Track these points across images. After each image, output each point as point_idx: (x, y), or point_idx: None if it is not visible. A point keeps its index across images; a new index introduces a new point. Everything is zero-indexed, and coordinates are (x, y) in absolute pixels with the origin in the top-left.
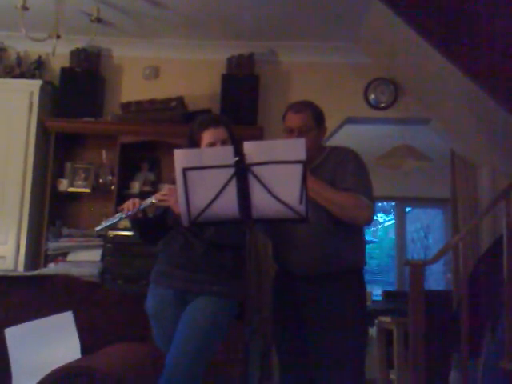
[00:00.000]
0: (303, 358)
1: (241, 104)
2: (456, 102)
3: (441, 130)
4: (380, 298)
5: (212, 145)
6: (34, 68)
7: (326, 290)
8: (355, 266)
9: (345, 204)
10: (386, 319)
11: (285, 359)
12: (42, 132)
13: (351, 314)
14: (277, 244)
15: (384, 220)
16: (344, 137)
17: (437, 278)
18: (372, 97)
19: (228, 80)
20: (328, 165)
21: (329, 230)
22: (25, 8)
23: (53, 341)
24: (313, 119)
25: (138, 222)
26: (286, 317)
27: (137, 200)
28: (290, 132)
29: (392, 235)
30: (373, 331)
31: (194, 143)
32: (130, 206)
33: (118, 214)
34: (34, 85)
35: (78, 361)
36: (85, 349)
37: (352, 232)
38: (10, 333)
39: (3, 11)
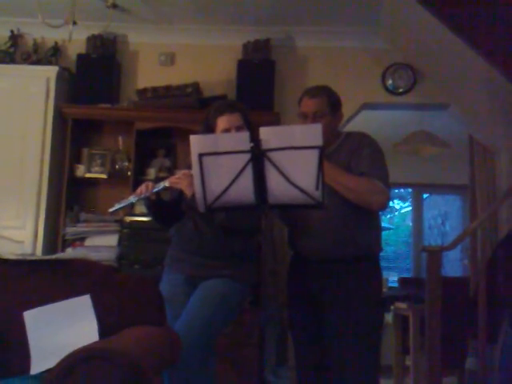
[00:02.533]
0: (318, 343)
1: (257, 89)
2: (475, 88)
3: (459, 115)
4: (396, 285)
5: (227, 131)
6: (50, 54)
7: (342, 276)
8: (371, 251)
9: (359, 189)
10: (402, 305)
11: (300, 344)
12: (59, 118)
13: (367, 300)
14: (292, 229)
15: (401, 207)
16: (361, 123)
17: (454, 265)
18: (390, 82)
19: (244, 65)
20: (343, 150)
21: (344, 215)
22: None
23: (71, 324)
24: (328, 105)
25: (153, 205)
26: (302, 302)
27: (150, 183)
28: (304, 117)
29: (409, 222)
30: (389, 317)
31: (210, 129)
32: (143, 189)
33: (131, 197)
34: (51, 71)
35: (95, 343)
36: (103, 331)
37: (367, 217)
38: (29, 316)
39: None
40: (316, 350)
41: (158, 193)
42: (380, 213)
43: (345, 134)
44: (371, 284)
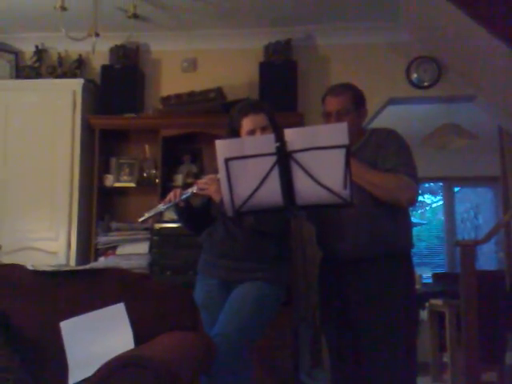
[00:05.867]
0: (352, 342)
1: (280, 91)
2: (502, 76)
3: (487, 106)
4: (430, 281)
5: (252, 132)
6: (75, 67)
7: (373, 274)
8: (402, 248)
9: (387, 185)
10: (438, 302)
11: (334, 344)
12: (87, 129)
13: (400, 298)
14: (321, 230)
15: (432, 201)
16: (387, 118)
17: (488, 258)
18: (414, 76)
19: (266, 68)
20: (369, 147)
21: (373, 213)
22: (63, 8)
23: (106, 332)
24: (351, 102)
25: (183, 211)
26: (334, 303)
27: (178, 190)
28: (328, 115)
29: (441, 216)
30: (424, 314)
31: (234, 131)
32: (172, 196)
33: (160, 205)
34: (76, 84)
35: (131, 351)
36: (137, 339)
37: (397, 214)
38: (66, 326)
39: (43, 13)
40: (350, 349)
41: (186, 199)
42: (410, 208)
43: (370, 131)
44: (404, 281)
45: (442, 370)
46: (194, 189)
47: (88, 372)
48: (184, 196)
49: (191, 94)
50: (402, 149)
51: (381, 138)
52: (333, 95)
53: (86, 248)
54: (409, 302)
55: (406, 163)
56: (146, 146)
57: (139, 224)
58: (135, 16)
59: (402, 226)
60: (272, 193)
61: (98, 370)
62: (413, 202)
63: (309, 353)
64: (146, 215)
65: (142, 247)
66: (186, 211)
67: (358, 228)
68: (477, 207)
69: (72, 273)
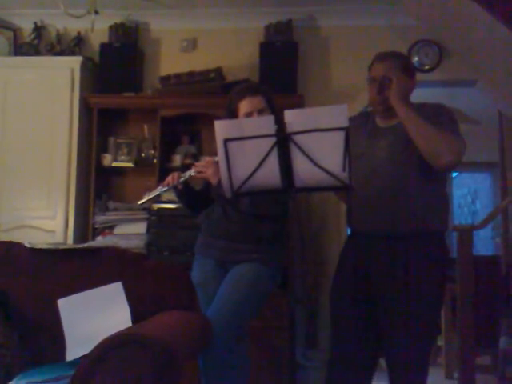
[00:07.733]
0: (372, 323)
1: (280, 72)
2: (504, 61)
3: (488, 91)
4: None
5: (249, 114)
6: (73, 45)
7: (399, 253)
8: (432, 228)
9: (435, 136)
10: None
11: (343, 318)
12: (85, 108)
13: (424, 282)
14: (355, 204)
15: None
16: None
17: (485, 244)
18: (415, 59)
19: (266, 48)
20: None
21: (402, 188)
22: None
23: (104, 310)
24: (398, 68)
25: (182, 194)
26: (353, 278)
27: (176, 173)
28: (373, 81)
29: None
30: None
31: (232, 113)
32: (170, 179)
33: (159, 188)
34: (75, 61)
35: (128, 329)
36: (135, 317)
37: (428, 190)
38: (63, 304)
39: None
40: (368, 329)
41: (185, 182)
42: (445, 185)
43: (417, 105)
44: (435, 261)
45: (436, 354)
46: (192, 172)
47: (85, 349)
48: (182, 179)
49: (191, 74)
50: (454, 124)
51: (431, 111)
52: (378, 60)
53: (84, 227)
54: (438, 283)
55: (458, 135)
56: (145, 126)
57: (137, 204)
58: None
59: (432, 203)
60: (271, 174)
61: (96, 348)
62: (452, 164)
63: (304, 334)
64: (146, 197)
65: (140, 227)
66: (185, 193)
67: (385, 203)
68: (474, 192)
69: (70, 251)
